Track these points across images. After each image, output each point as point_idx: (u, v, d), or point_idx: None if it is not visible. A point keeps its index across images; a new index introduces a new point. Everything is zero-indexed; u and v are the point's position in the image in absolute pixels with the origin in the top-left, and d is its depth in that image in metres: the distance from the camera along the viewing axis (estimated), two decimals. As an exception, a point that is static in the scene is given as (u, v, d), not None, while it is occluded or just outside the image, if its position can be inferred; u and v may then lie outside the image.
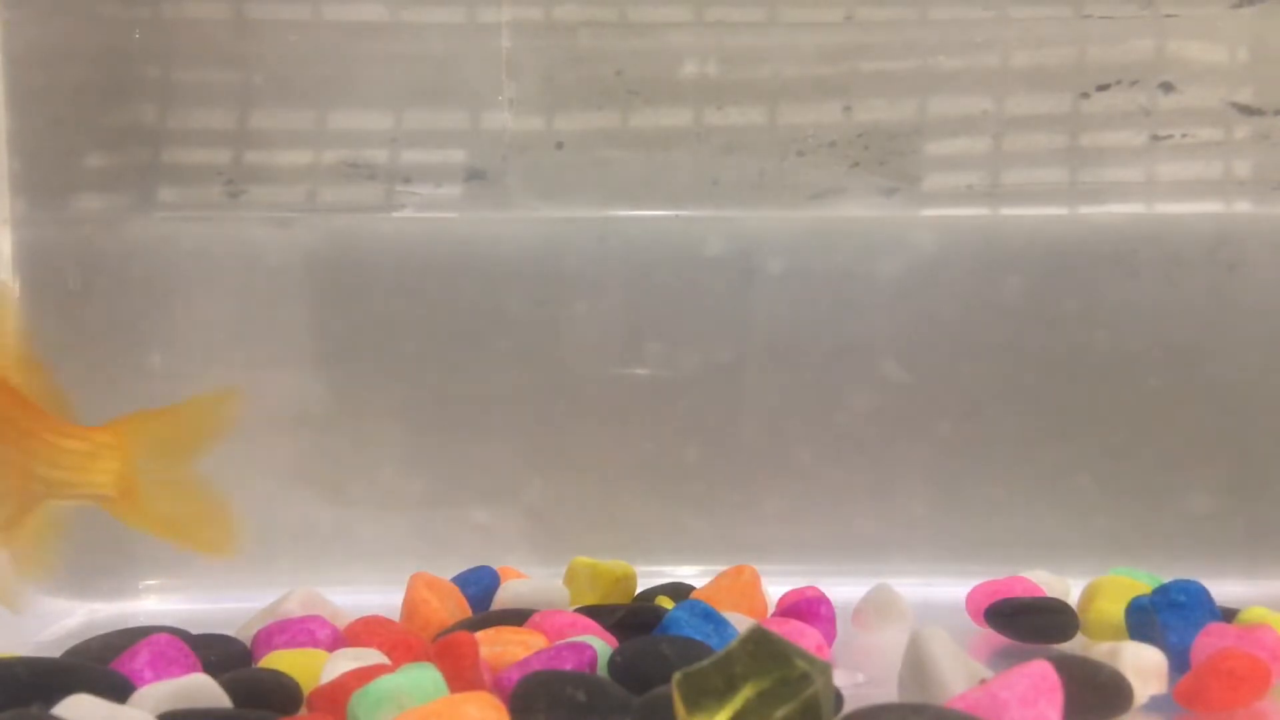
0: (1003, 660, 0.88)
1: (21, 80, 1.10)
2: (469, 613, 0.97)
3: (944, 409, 1.14)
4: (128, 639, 0.83)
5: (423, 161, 1.12)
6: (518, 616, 0.90)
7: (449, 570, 1.02)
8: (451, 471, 1.14)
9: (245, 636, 0.90)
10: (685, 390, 1.14)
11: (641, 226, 1.13)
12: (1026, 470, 1.14)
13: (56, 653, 0.86)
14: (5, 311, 0.82)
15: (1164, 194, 1.12)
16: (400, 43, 1.11)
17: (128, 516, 0.85)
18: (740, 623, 0.86)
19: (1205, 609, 0.88)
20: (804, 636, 0.84)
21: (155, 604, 1.12)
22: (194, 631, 0.89)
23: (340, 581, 1.06)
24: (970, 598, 1.01)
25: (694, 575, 1.08)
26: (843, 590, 0.98)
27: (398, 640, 0.84)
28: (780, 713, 0.60)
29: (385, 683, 0.67)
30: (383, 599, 0.98)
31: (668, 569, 1.12)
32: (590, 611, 0.93)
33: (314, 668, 0.79)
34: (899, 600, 0.98)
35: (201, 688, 0.72)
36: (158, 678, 0.76)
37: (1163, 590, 0.89)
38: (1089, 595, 0.97)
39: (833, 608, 0.95)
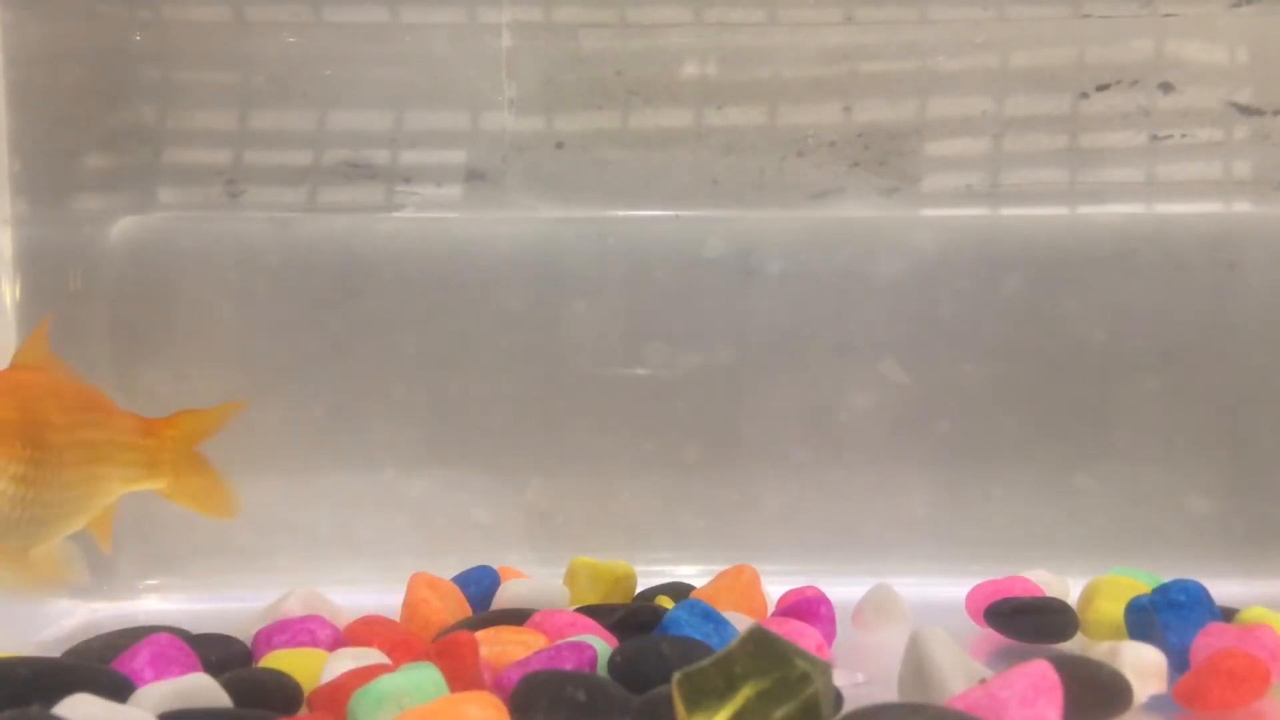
0: (1003, 660, 0.88)
1: (21, 80, 1.10)
2: (469, 613, 0.97)
3: (944, 409, 1.14)
4: (128, 639, 0.83)
5: (423, 161, 1.12)
6: (518, 616, 0.90)
7: (449, 570, 1.02)
8: (451, 471, 1.14)
9: (245, 636, 0.90)
10: (685, 390, 1.14)
11: (641, 226, 1.13)
12: (1026, 470, 1.14)
13: (57, 653, 0.86)
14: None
15: (1164, 194, 1.12)
16: (400, 43, 1.11)
17: (173, 496, 0.99)
18: (740, 623, 0.86)
19: (1205, 609, 0.88)
20: (804, 636, 0.84)
21: (155, 604, 1.12)
22: (194, 631, 0.89)
23: (340, 581, 1.06)
24: (970, 598, 1.01)
25: (694, 575, 1.08)
26: (843, 590, 0.98)
27: (398, 640, 0.84)
28: (780, 713, 0.60)
29: (385, 683, 0.67)
30: (383, 599, 0.98)
31: (668, 569, 1.12)
32: (590, 611, 0.93)
33: (314, 668, 0.79)
34: (899, 600, 0.98)
35: (202, 688, 0.72)
36: (158, 677, 0.76)
37: (1162, 590, 0.89)
38: (1089, 595, 0.97)
39: (833, 608, 0.94)
